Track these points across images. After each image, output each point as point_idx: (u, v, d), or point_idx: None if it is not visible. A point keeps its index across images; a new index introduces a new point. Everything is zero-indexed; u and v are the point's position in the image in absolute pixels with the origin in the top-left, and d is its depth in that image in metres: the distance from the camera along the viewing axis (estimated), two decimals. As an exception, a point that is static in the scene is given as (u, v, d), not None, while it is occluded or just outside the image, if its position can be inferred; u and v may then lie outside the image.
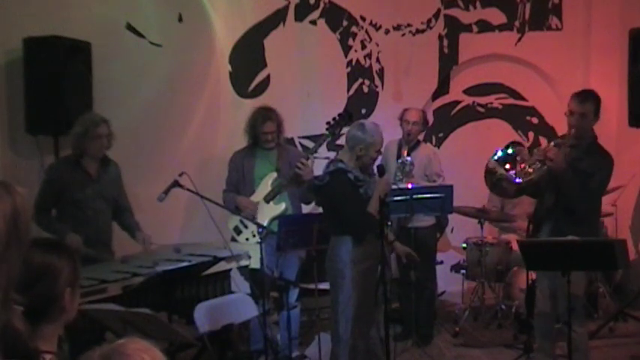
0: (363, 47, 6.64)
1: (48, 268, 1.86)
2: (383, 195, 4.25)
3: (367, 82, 6.68)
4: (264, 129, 5.25)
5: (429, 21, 6.83)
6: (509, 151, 4.53)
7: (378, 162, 4.60)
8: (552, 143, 4.61)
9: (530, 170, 4.46)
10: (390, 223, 4.70)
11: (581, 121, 4.45)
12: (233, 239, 5.19)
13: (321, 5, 6.45)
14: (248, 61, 6.22)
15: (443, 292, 6.57)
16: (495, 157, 4.52)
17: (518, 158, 4.50)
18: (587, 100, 4.48)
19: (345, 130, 5.45)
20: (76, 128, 4.67)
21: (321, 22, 6.47)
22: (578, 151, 4.49)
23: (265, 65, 6.28)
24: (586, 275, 4.81)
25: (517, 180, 4.46)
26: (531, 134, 7.16)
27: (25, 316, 1.67)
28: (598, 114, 4.50)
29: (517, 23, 7.08)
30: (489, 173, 4.53)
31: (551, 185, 4.50)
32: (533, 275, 5.11)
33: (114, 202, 4.88)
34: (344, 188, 4.31)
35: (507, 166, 4.49)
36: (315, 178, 4.63)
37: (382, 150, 4.62)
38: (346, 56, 6.60)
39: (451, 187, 5.55)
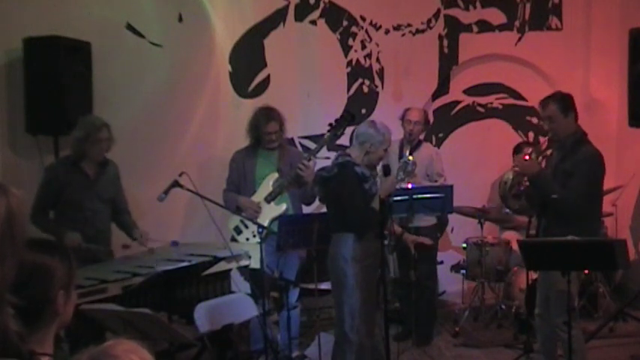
0: (363, 47, 6.63)
1: (40, 268, 1.77)
2: (385, 195, 4.27)
3: (367, 82, 6.68)
4: (267, 129, 5.25)
5: (429, 21, 6.83)
6: None
7: (383, 161, 4.62)
8: (529, 152, 4.70)
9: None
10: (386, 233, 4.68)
11: (550, 124, 4.50)
12: (233, 239, 5.19)
13: (321, 5, 6.45)
14: (248, 61, 6.21)
15: (443, 292, 6.58)
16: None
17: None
18: (548, 103, 4.50)
19: (347, 130, 5.49)
20: (78, 132, 4.66)
21: (321, 22, 6.47)
22: (563, 151, 4.51)
23: (265, 65, 6.28)
24: (579, 276, 4.79)
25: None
26: (531, 134, 7.15)
27: (17, 319, 1.64)
28: (569, 111, 4.47)
29: (517, 23, 7.08)
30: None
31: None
32: (533, 275, 5.12)
33: (112, 203, 4.88)
34: (351, 181, 4.34)
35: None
36: (321, 170, 4.64)
37: (388, 150, 4.65)
38: (346, 56, 6.60)
39: (451, 187, 5.55)
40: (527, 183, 4.55)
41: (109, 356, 1.42)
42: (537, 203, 4.60)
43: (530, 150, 4.71)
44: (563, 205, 4.38)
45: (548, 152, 4.67)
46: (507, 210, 4.97)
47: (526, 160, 4.54)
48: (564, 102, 4.49)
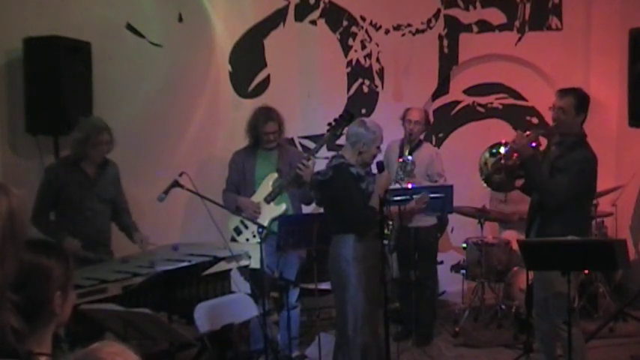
0: (363, 47, 6.64)
1: (36, 269, 1.76)
2: (382, 191, 4.27)
3: (367, 82, 6.69)
4: (266, 129, 5.25)
5: (429, 21, 6.83)
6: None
7: (377, 159, 4.62)
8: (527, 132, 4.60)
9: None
10: (390, 222, 4.70)
11: (560, 115, 4.43)
12: (233, 240, 5.19)
13: (321, 5, 6.45)
14: (248, 61, 6.22)
15: (443, 292, 6.58)
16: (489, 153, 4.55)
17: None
18: (567, 95, 4.46)
19: (346, 130, 5.49)
20: (78, 134, 4.65)
21: (321, 22, 6.48)
22: (561, 149, 4.48)
23: (265, 65, 6.29)
24: (577, 276, 4.76)
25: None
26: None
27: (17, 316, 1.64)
28: (582, 110, 4.44)
29: (517, 23, 7.08)
30: (482, 168, 4.56)
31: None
32: (533, 275, 5.11)
33: (112, 203, 4.87)
34: (347, 182, 4.34)
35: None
36: (316, 174, 4.64)
37: (381, 148, 4.65)
38: (346, 56, 6.60)
39: (451, 186, 5.55)
40: (516, 158, 4.44)
41: (95, 359, 1.41)
42: (515, 177, 4.55)
43: (528, 132, 4.65)
44: (546, 196, 4.37)
45: (543, 147, 4.62)
46: (486, 185, 4.82)
47: (526, 136, 4.44)
48: (582, 100, 4.48)
